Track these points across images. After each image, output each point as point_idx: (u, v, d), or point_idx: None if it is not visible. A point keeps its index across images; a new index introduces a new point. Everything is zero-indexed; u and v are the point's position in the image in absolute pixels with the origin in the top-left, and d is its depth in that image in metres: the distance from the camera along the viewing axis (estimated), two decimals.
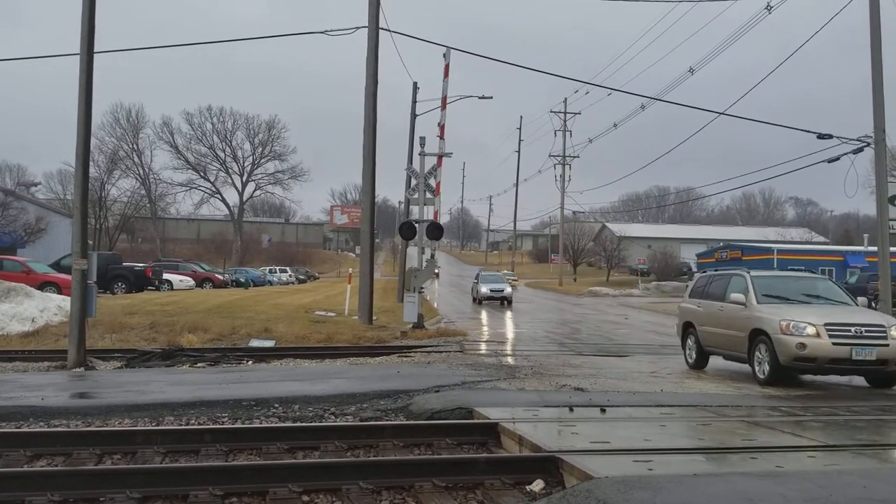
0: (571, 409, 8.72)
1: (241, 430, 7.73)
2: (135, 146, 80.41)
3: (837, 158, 22.62)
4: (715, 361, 13.68)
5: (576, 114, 66.53)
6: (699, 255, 72.67)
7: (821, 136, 22.46)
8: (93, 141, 14.66)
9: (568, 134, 66.37)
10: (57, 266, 33.67)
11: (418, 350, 16.48)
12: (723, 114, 25.92)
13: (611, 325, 26.62)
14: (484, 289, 38.84)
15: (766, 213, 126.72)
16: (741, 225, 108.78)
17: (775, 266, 56.48)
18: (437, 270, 25.44)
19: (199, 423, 8.36)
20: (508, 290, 38.71)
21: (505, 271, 56.41)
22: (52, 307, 20.45)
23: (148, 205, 77.71)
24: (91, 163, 14.73)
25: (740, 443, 7.21)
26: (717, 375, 12.81)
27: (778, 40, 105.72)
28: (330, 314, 24.89)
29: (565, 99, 66.36)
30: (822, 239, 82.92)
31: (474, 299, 40.24)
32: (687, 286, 16.24)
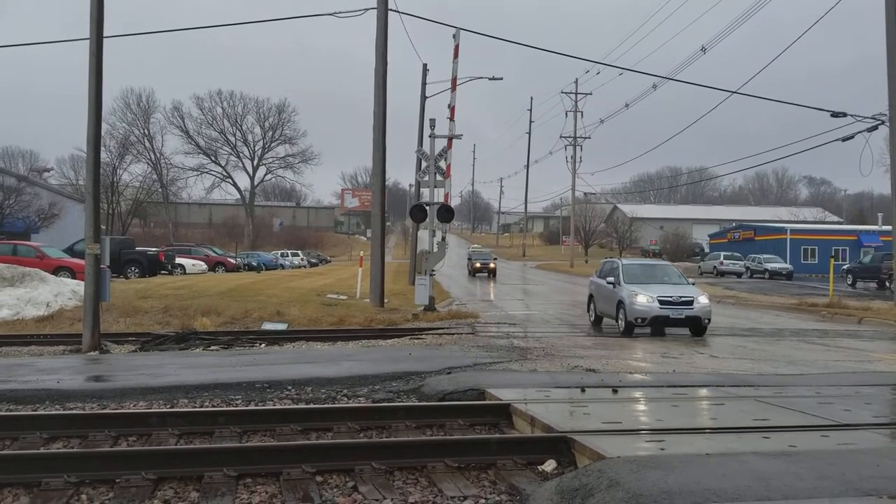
0: (583, 390, 8.72)
1: (254, 412, 7.77)
2: (146, 131, 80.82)
3: (852, 137, 22.41)
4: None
5: (587, 94, 66.15)
6: (711, 236, 72.41)
7: (835, 115, 22.24)
8: (104, 126, 14.70)
9: (579, 115, 65.96)
10: (70, 251, 33.94)
11: (430, 332, 16.52)
12: (735, 92, 25.74)
13: None
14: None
15: (780, 192, 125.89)
16: (754, 205, 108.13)
17: (788, 248, 56.26)
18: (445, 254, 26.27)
19: (213, 406, 8.42)
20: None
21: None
22: (67, 292, 20.61)
23: (160, 189, 78.07)
24: (103, 148, 14.77)
25: (753, 422, 7.19)
26: (728, 356, 12.78)
27: (793, 16, 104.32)
28: (342, 297, 24.98)
29: (576, 80, 66.05)
30: (835, 218, 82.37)
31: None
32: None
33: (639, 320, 16.53)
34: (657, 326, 16.79)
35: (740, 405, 8.15)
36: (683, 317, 16.44)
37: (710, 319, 16.86)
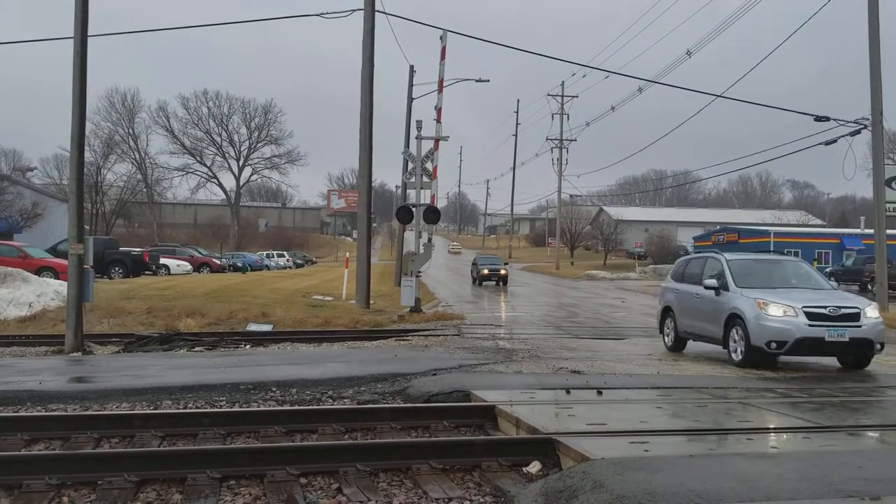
0: (568, 392, 8.74)
1: (238, 414, 7.74)
2: (130, 131, 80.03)
3: (835, 141, 22.60)
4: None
5: (573, 97, 66.38)
6: (696, 239, 72.72)
7: (818, 119, 22.43)
8: (88, 125, 14.59)
9: (565, 117, 66.17)
10: (54, 251, 33.60)
11: (416, 334, 16.51)
12: (720, 96, 25.91)
13: (608, 309, 26.68)
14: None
15: (763, 196, 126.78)
16: (738, 208, 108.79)
17: (772, 249, 56.73)
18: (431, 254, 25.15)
19: (197, 407, 8.38)
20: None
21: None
22: (50, 292, 20.43)
23: (144, 189, 77.43)
24: (87, 147, 14.65)
25: (736, 424, 7.24)
26: (710, 358, 12.85)
27: (777, 21, 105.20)
28: (327, 298, 24.91)
29: (563, 82, 66.13)
30: (818, 222, 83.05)
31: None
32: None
33: (773, 345, 11.12)
34: (803, 351, 11.50)
35: (724, 406, 8.20)
36: (847, 339, 11.05)
37: (883, 344, 11.53)
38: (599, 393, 8.72)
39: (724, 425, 7.26)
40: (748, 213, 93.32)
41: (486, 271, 42.43)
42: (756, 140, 69.35)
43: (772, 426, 7.37)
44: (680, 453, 5.90)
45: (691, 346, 13.84)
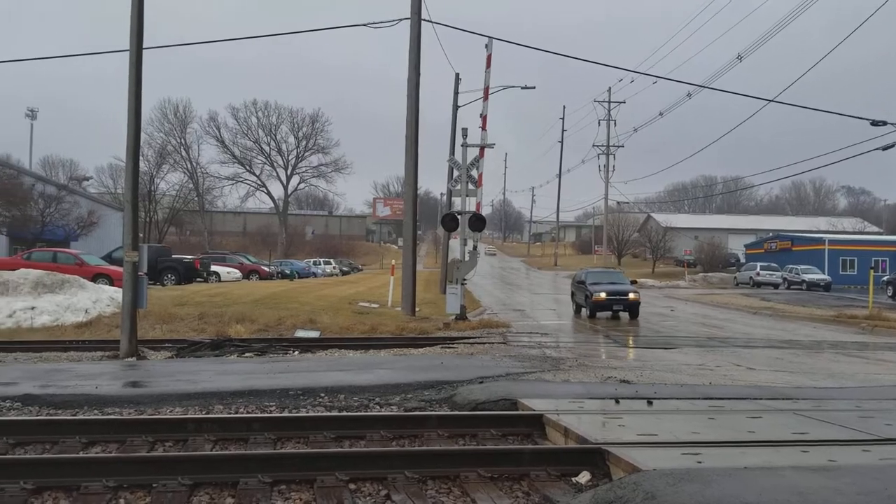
0: (617, 402, 8.63)
1: (288, 419, 7.82)
2: (182, 140, 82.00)
3: (892, 145, 21.95)
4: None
5: (620, 103, 65.81)
6: (748, 246, 71.38)
7: (874, 123, 21.82)
8: (142, 136, 14.94)
9: (612, 123, 65.63)
10: (109, 258, 34.57)
11: (461, 341, 16.50)
12: (772, 101, 25.42)
13: (657, 318, 26.29)
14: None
15: (817, 202, 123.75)
16: (791, 215, 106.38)
17: (826, 258, 55.31)
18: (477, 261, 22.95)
19: (248, 412, 8.50)
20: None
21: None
22: (105, 298, 20.98)
23: (196, 198, 79.16)
24: (141, 157, 15.01)
25: (792, 436, 7.06)
26: (766, 368, 12.57)
27: (828, 19, 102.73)
28: (373, 305, 25.07)
29: (609, 88, 65.68)
30: (875, 229, 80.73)
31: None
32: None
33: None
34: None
35: (778, 418, 8.00)
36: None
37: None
38: (649, 403, 8.58)
39: (780, 437, 7.08)
40: (801, 220, 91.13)
41: (602, 296, 24.85)
42: (809, 145, 67.80)
43: (827, 439, 7.16)
44: (734, 465, 5.76)
45: (733, 356, 13.56)
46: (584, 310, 26.09)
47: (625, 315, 25.14)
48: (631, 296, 24.87)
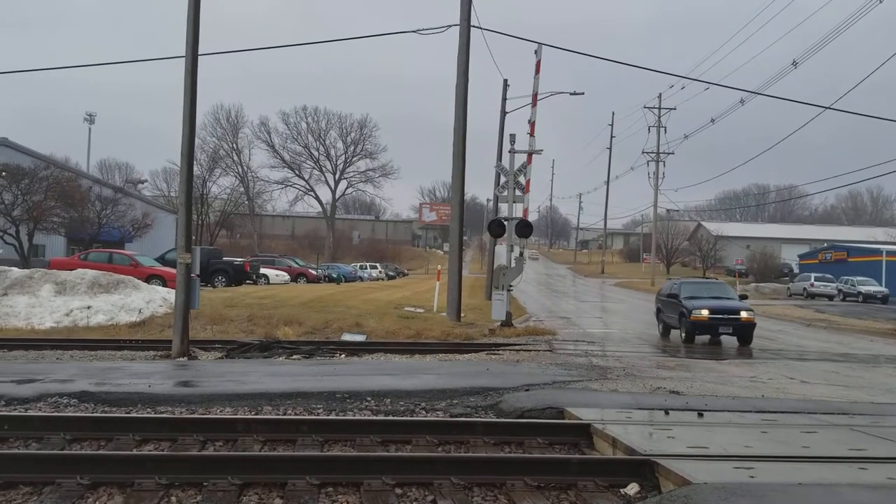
0: (667, 413, 8.49)
1: (335, 422, 7.88)
2: (234, 145, 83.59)
3: None
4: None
5: (671, 109, 64.83)
6: (801, 257, 69.71)
7: None
8: (195, 140, 15.25)
9: (662, 130, 64.72)
10: (162, 260, 35.34)
11: (507, 348, 16.43)
12: (828, 108, 24.83)
13: None
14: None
15: (875, 212, 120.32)
16: (847, 225, 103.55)
17: (884, 270, 53.64)
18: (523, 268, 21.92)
19: (296, 414, 8.59)
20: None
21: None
22: (158, 299, 21.45)
23: (246, 202, 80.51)
24: (194, 161, 15.32)
25: (848, 452, 6.85)
26: (820, 382, 12.24)
27: (888, 26, 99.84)
28: (419, 310, 25.14)
29: (660, 94, 64.76)
30: None
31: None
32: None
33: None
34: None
35: (834, 434, 7.78)
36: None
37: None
38: (700, 415, 8.42)
39: (836, 453, 6.87)
40: (858, 230, 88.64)
41: (704, 314, 19.35)
42: (867, 153, 65.97)
43: (886, 456, 6.92)
44: (788, 481, 5.62)
45: (786, 369, 13.22)
46: (674, 331, 20.69)
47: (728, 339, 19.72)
48: (743, 315, 19.32)
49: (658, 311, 22.90)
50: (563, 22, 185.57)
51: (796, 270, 66.30)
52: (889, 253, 55.56)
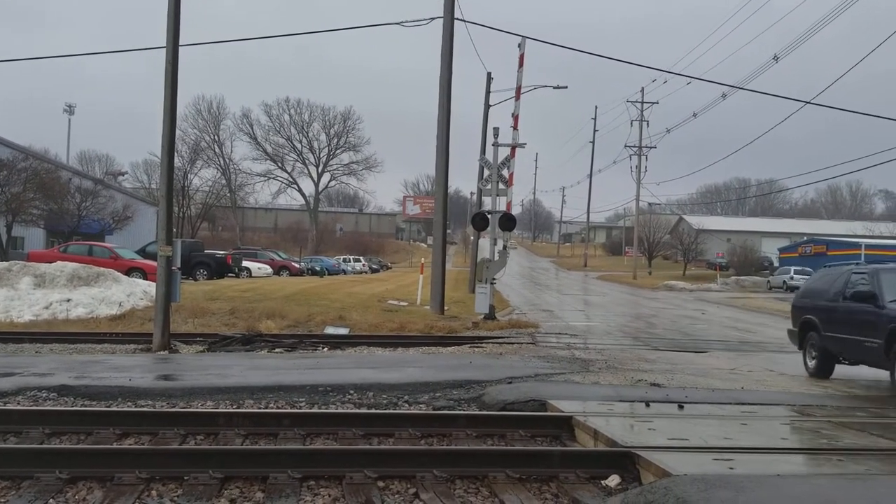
0: (648, 405, 8.55)
1: (317, 415, 7.87)
2: (216, 137, 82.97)
3: None
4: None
5: (653, 103, 65.02)
6: (781, 250, 70.31)
7: None
8: (176, 132, 15.12)
9: (645, 124, 64.99)
10: (142, 252, 35.00)
11: (490, 341, 16.46)
12: (808, 103, 25.00)
13: (687, 321, 25.99)
14: None
15: (854, 206, 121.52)
16: (826, 219, 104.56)
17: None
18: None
19: (278, 407, 8.56)
20: None
21: None
22: (138, 292, 21.28)
23: (228, 194, 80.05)
24: (175, 153, 15.19)
25: (826, 444, 6.94)
26: (799, 375, 12.36)
27: (866, 20, 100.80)
28: (402, 303, 25.12)
29: (642, 88, 64.97)
30: None
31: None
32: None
33: None
34: None
35: (812, 424, 7.87)
36: None
37: None
38: (680, 407, 8.50)
39: (813, 445, 6.97)
40: (837, 223, 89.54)
41: None
42: (846, 148, 66.64)
43: (863, 447, 7.02)
44: (767, 472, 5.68)
45: (766, 361, 13.36)
46: (843, 366, 11.86)
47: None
48: None
49: (805, 327, 12.44)
50: (551, 22, 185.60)
51: (776, 264, 66.87)
52: (868, 246, 56.18)
